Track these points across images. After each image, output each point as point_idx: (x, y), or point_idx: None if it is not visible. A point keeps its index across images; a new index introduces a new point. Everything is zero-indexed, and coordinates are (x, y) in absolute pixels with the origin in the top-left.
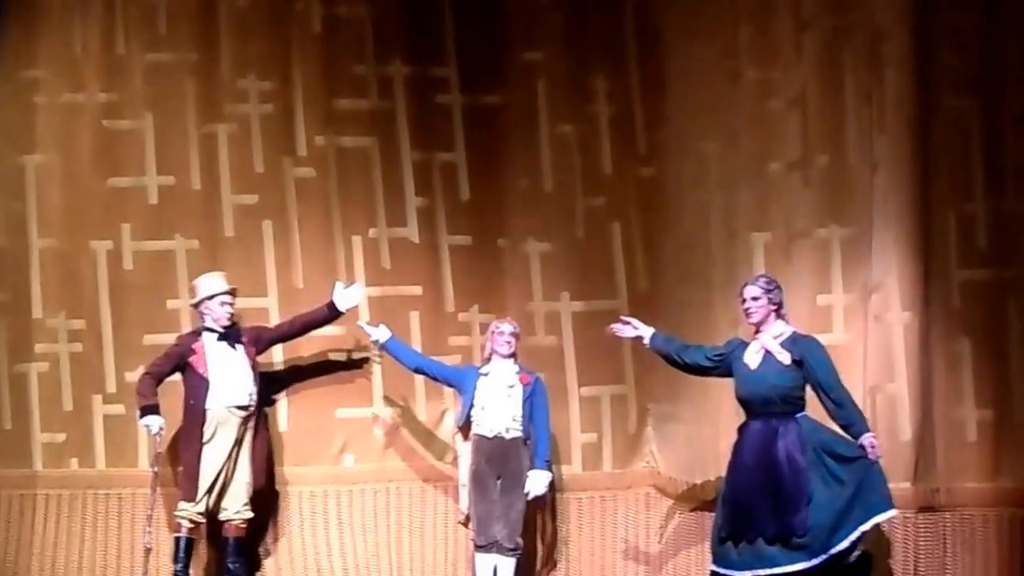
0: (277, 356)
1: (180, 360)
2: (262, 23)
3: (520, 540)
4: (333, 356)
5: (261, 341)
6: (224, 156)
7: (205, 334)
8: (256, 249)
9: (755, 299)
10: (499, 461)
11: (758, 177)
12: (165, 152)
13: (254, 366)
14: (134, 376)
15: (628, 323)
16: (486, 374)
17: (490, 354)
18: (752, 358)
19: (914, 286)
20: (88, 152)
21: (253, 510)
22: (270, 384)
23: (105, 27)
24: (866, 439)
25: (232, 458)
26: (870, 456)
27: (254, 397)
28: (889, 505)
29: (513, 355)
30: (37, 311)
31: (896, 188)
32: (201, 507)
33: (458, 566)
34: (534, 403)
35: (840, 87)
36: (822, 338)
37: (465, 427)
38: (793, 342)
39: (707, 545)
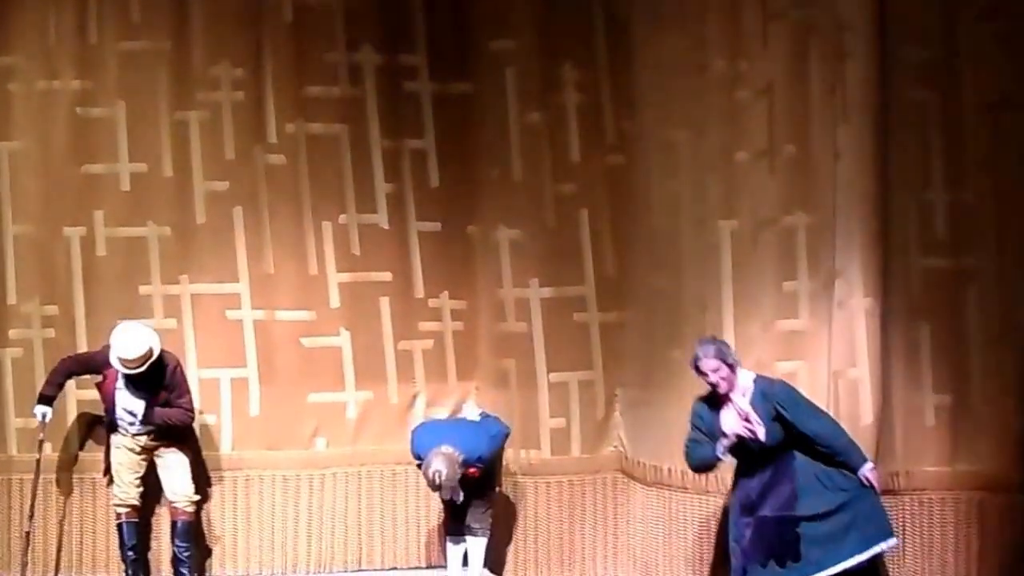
0: (249, 339)
1: (94, 371)
2: (234, 11)
3: (490, 521)
4: (304, 341)
5: (171, 389)
6: (196, 143)
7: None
8: (227, 235)
9: (716, 371)
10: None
11: (726, 166)
12: (137, 139)
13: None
14: None
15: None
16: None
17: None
18: (731, 426)
19: (875, 273)
20: (61, 139)
21: (201, 495)
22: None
23: (79, 15)
24: (864, 471)
25: (147, 460)
26: (869, 486)
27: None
28: (888, 534)
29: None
30: (11, 297)
31: (858, 177)
32: (124, 490)
33: (431, 549)
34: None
35: (806, 78)
36: (788, 324)
37: None
38: (763, 396)
39: (673, 527)
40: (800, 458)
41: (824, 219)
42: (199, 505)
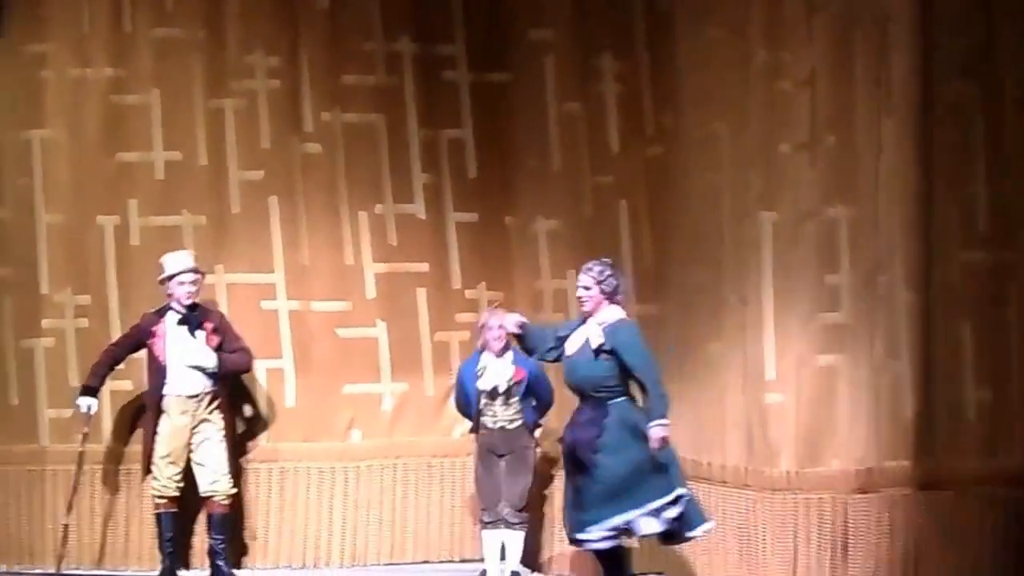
0: (284, 330)
1: (139, 343)
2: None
3: (526, 515)
4: (340, 331)
5: (224, 335)
6: (231, 132)
7: (168, 316)
8: (262, 225)
9: (587, 288)
10: (503, 444)
11: (767, 158)
12: (172, 128)
13: (213, 351)
14: (139, 352)
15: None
16: (480, 374)
17: (482, 348)
18: (572, 345)
19: (917, 266)
20: (95, 127)
21: (237, 487)
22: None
23: (112, 3)
24: (651, 426)
25: (191, 441)
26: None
27: (208, 384)
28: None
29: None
30: (44, 286)
31: (901, 170)
32: (163, 483)
33: (464, 542)
34: (536, 391)
35: (849, 70)
36: (829, 318)
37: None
38: (613, 330)
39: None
40: (616, 418)
41: (866, 212)
42: (234, 497)
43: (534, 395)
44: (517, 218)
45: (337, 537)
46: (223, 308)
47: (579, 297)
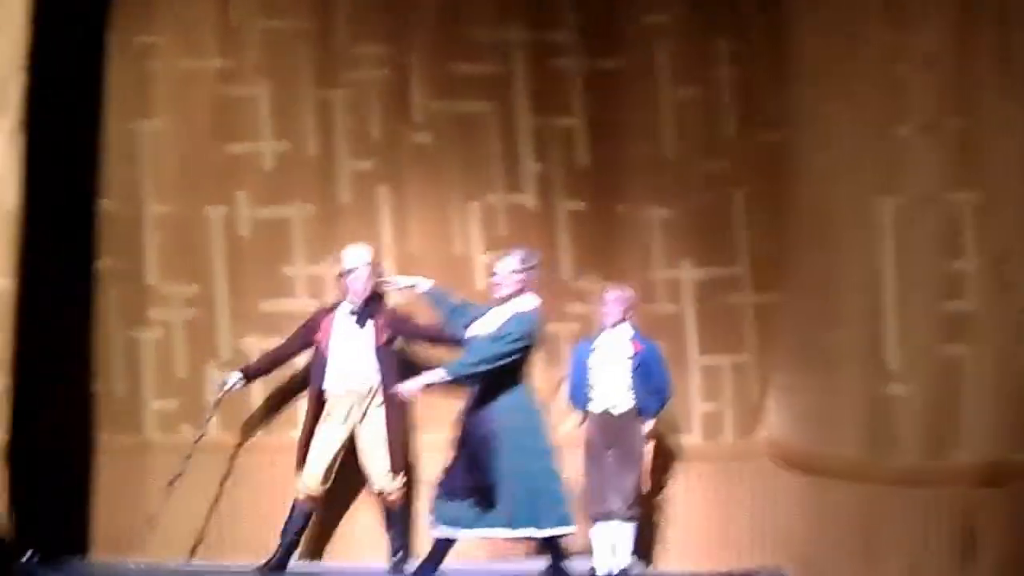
0: None
1: (306, 339)
2: None
3: (636, 507)
4: None
5: (401, 329)
6: (340, 122)
7: (341, 307)
8: (371, 215)
9: (504, 275)
10: (608, 432)
11: (885, 141)
12: (280, 118)
13: (381, 347)
14: (248, 343)
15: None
16: (595, 349)
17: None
18: (478, 327)
19: None
20: (203, 118)
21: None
22: None
23: None
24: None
25: (354, 436)
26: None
27: (372, 379)
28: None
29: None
30: (151, 277)
31: None
32: (309, 481)
33: (572, 538)
34: (650, 371)
35: (972, 49)
36: (953, 305)
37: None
38: (514, 318)
39: (827, 515)
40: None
41: (991, 196)
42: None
43: (648, 377)
44: (629, 206)
45: None
46: (331, 299)
47: (495, 282)
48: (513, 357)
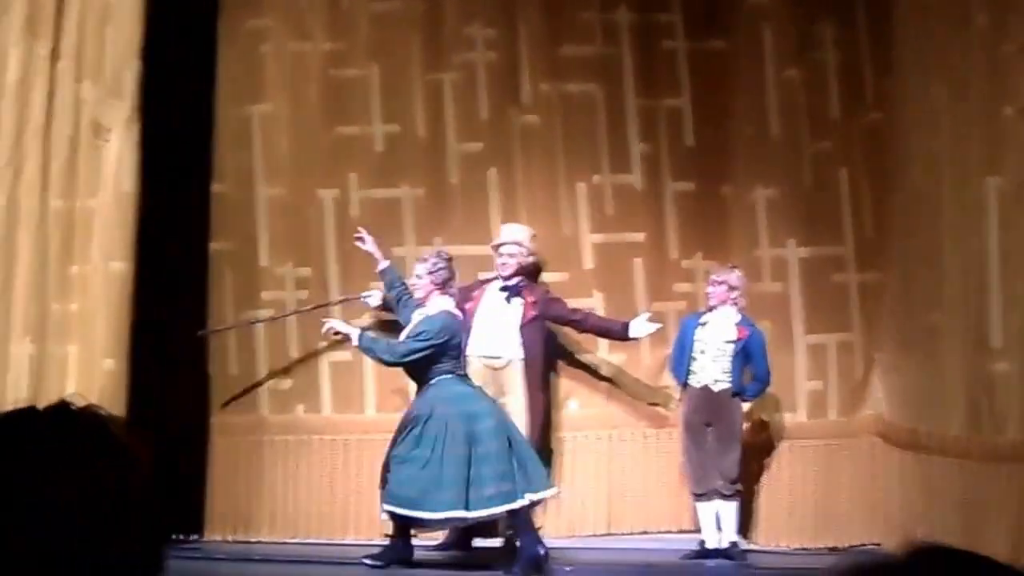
0: None
1: (458, 304)
2: None
3: (739, 485)
4: None
5: (547, 310)
6: (449, 104)
7: (495, 282)
8: (481, 196)
9: (419, 277)
10: (708, 410)
11: (990, 122)
12: (390, 100)
13: (526, 325)
14: (359, 324)
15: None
16: (704, 324)
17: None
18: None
19: None
20: (314, 101)
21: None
22: None
23: None
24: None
25: None
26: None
27: (510, 353)
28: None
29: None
30: (263, 259)
31: None
32: None
33: (680, 515)
34: (753, 357)
35: None
36: None
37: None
38: (424, 318)
39: (933, 493)
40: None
41: None
42: None
43: (749, 363)
44: (735, 187)
45: (552, 508)
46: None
47: (411, 284)
48: (424, 353)
